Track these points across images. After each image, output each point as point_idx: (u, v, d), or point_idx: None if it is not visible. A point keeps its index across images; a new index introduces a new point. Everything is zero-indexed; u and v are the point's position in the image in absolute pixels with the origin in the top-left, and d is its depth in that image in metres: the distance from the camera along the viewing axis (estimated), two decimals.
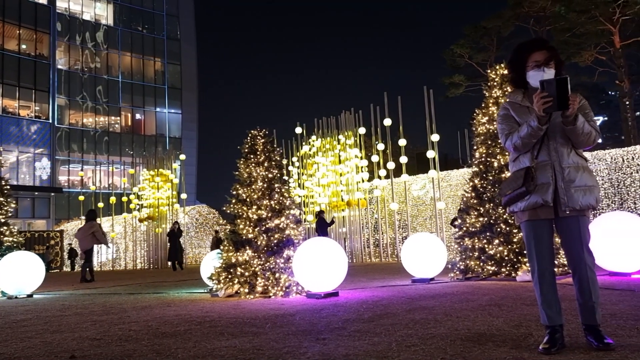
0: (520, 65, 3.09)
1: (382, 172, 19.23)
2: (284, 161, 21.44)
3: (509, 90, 3.24)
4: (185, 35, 57.08)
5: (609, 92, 69.00)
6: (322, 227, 16.62)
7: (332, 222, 18.68)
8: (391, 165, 18.29)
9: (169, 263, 20.93)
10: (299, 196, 21.13)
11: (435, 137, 16.92)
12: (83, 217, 29.72)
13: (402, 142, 17.84)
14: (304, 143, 21.51)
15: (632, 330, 3.35)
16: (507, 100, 3.20)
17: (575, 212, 2.92)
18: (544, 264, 2.98)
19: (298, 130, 21.68)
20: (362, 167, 19.52)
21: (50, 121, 47.39)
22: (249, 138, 7.54)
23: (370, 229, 21.19)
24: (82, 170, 45.20)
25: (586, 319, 2.91)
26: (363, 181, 19.68)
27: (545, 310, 2.95)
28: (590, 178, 2.96)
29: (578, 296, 2.94)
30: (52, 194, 45.58)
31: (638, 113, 61.21)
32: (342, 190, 19.68)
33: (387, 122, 18.34)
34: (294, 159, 22.15)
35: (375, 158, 19.18)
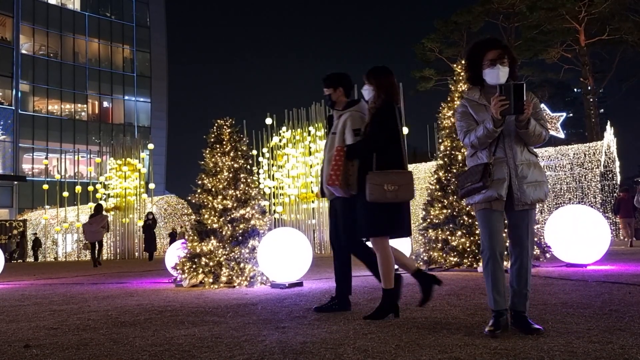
0: (476, 63, 3.20)
1: None
2: (254, 152, 21.34)
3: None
4: (155, 23, 56.00)
5: (574, 89, 70.69)
6: None
7: None
8: None
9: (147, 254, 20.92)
10: (269, 187, 21.09)
11: (404, 130, 17.08)
12: (48, 206, 29.16)
13: None
14: (274, 134, 21.43)
15: (579, 317, 3.48)
16: (465, 97, 3.32)
17: (527, 205, 3.09)
18: (496, 252, 3.11)
19: (268, 121, 21.58)
20: None
21: (14, 107, 46.03)
22: (215, 127, 7.49)
23: None
24: (46, 158, 44.03)
25: (517, 306, 3.09)
26: None
27: (494, 295, 3.09)
28: (540, 174, 3.15)
29: (514, 283, 3.11)
30: (15, 182, 44.35)
31: (602, 110, 62.96)
32: (311, 182, 19.72)
33: None
34: (264, 150, 22.05)
35: None
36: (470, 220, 7.73)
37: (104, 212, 17.48)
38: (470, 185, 3.14)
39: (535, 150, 3.20)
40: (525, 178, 3.06)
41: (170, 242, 24.34)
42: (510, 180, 3.06)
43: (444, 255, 7.90)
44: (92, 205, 26.13)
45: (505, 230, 3.28)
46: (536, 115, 3.09)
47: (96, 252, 15.98)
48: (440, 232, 8.01)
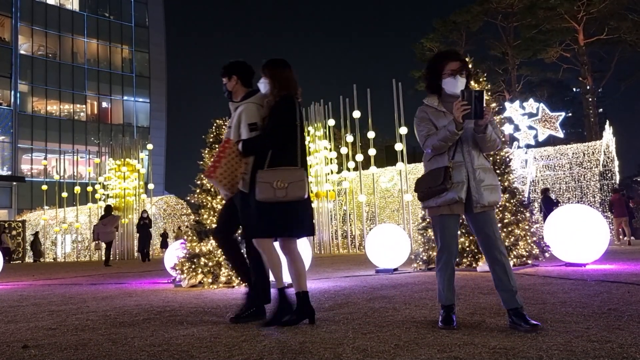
0: (436, 72, 3.38)
1: (351, 164, 19.34)
2: None
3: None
4: (154, 23, 55.98)
5: (573, 89, 70.68)
6: (548, 205, 15.82)
7: (557, 202, 17.33)
8: (360, 157, 18.42)
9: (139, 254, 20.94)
10: None
11: (403, 130, 17.09)
12: (47, 207, 29.14)
13: (371, 134, 17.96)
14: None
15: (579, 317, 3.48)
16: (425, 104, 3.47)
17: (485, 207, 3.26)
18: (453, 255, 3.37)
19: None
20: (331, 159, 19.59)
21: (12, 108, 46.00)
22: (214, 127, 7.49)
23: (339, 221, 21.32)
24: (45, 158, 44.03)
25: (510, 304, 3.19)
26: (332, 173, 19.76)
27: (446, 292, 3.35)
28: (495, 178, 3.36)
29: (499, 284, 3.24)
30: (14, 183, 44.33)
31: (601, 110, 62.96)
32: (310, 182, 19.70)
33: (357, 114, 18.43)
34: None
35: (344, 150, 19.27)
36: None
37: (115, 213, 18.64)
38: (429, 188, 3.29)
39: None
40: (483, 181, 3.25)
41: (162, 243, 24.32)
42: (468, 182, 3.25)
43: None
44: (90, 205, 26.22)
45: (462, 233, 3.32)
46: (490, 124, 3.26)
47: (106, 250, 16.55)
48: None
